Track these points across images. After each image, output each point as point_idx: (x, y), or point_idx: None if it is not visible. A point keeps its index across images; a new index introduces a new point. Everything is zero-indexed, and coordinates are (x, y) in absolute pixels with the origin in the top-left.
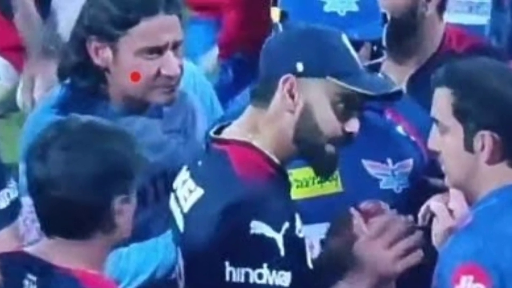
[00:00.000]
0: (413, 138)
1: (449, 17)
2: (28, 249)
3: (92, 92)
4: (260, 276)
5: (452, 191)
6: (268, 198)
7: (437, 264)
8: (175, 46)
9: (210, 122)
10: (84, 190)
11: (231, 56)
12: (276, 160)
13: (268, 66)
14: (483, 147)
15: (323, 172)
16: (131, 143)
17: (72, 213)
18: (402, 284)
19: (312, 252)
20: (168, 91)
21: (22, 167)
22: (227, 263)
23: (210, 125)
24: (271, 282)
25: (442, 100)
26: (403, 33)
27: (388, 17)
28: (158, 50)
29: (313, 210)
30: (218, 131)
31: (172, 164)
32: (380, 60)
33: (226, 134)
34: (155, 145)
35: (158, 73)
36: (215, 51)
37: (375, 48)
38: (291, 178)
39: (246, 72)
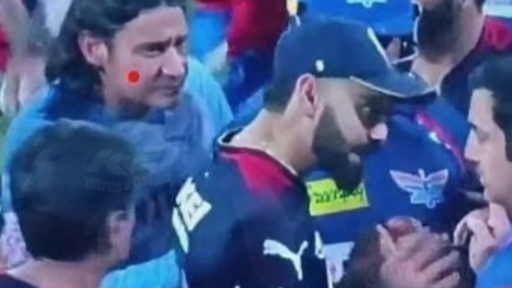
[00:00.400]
0: (448, 146)
1: (489, 9)
2: (13, 272)
3: (84, 94)
4: None
5: (493, 206)
6: (284, 214)
7: None
8: (178, 42)
9: (218, 128)
10: (75, 205)
11: (242, 53)
12: (293, 171)
13: (284, 64)
14: None
15: (346, 185)
16: (128, 152)
17: (62, 231)
18: None
19: (334, 275)
20: (170, 93)
21: (5, 179)
22: None
23: (218, 131)
24: None
25: (481, 103)
26: (437, 27)
27: (420, 9)
28: (159, 47)
29: (335, 228)
30: (228, 139)
31: (175, 175)
32: (410, 57)
33: (236, 141)
34: (156, 154)
35: (159, 73)
36: (224, 47)
37: (405, 44)
38: (310, 192)
39: (259, 71)
